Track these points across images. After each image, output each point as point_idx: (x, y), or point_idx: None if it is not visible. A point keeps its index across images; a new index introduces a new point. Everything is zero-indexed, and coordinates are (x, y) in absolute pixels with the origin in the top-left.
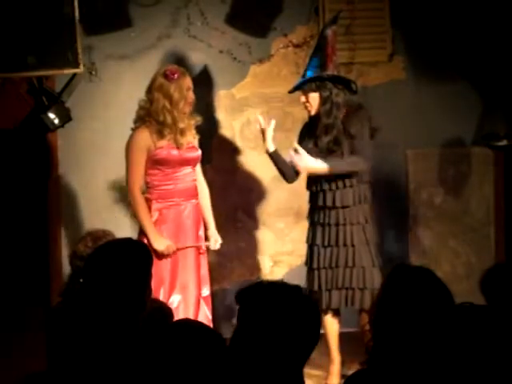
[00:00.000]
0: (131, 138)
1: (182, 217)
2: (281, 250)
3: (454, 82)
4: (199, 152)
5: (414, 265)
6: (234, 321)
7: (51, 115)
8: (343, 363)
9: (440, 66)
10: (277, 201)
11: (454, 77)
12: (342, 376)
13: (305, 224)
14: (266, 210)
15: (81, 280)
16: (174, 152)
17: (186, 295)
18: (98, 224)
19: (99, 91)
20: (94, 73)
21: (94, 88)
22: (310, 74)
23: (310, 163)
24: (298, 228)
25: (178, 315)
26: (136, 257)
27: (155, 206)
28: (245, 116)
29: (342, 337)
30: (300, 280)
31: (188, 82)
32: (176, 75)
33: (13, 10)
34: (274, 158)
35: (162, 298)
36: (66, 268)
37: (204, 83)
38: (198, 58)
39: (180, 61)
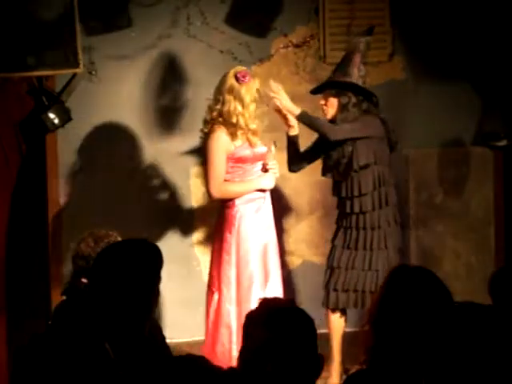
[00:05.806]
0: (211, 139)
1: (263, 208)
2: (282, 249)
3: (453, 81)
4: (265, 147)
5: (414, 265)
6: None
7: (51, 115)
8: (344, 363)
9: (440, 65)
10: (278, 200)
11: (453, 77)
12: (343, 375)
13: (306, 224)
14: None
15: (83, 279)
16: (250, 150)
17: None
18: (98, 224)
19: (99, 91)
20: (93, 73)
21: (93, 88)
22: (334, 78)
23: (287, 102)
24: (299, 228)
25: None
26: (145, 258)
27: (238, 201)
28: None
29: (345, 336)
30: (301, 279)
31: (257, 84)
32: (247, 78)
33: (12, 9)
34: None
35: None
36: (67, 268)
37: (204, 83)
38: (197, 57)
39: (180, 61)
